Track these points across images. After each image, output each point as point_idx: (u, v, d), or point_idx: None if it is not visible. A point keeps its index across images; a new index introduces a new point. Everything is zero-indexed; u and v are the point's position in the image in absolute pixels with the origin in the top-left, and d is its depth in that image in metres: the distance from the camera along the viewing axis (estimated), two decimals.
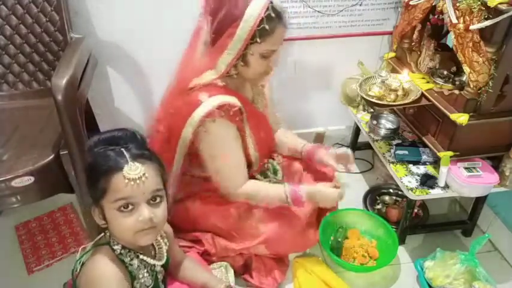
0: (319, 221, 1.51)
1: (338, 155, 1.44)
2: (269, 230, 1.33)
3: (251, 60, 1.18)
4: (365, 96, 1.50)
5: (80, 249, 0.94)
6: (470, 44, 1.20)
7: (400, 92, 1.48)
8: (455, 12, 1.21)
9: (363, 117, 1.81)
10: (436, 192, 1.42)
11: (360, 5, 1.73)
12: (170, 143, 1.25)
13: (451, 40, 1.29)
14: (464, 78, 1.36)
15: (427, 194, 1.41)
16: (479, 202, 1.57)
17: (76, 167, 1.21)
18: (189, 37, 1.65)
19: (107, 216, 0.87)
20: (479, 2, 1.14)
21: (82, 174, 1.21)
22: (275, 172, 1.45)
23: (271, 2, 1.12)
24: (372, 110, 1.80)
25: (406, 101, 1.44)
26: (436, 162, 1.51)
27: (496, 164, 1.43)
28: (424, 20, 1.55)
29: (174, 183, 1.31)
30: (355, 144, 2.03)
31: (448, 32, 1.49)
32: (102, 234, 0.94)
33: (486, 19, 1.15)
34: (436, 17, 1.50)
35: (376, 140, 1.68)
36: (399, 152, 1.56)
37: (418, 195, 1.41)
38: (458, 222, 1.70)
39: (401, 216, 1.58)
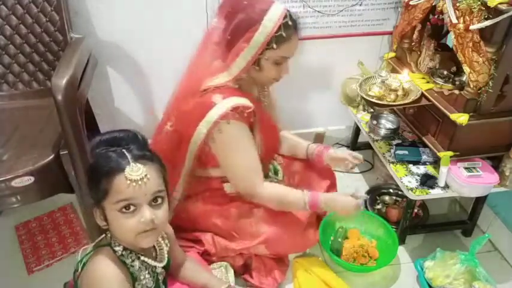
0: (319, 221, 1.51)
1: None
2: (269, 230, 1.33)
3: (264, 65, 1.20)
4: (365, 96, 1.50)
5: (81, 250, 0.94)
6: (470, 44, 1.20)
7: (400, 92, 1.48)
8: (455, 12, 1.21)
9: (363, 117, 1.81)
10: (436, 192, 1.42)
11: (360, 5, 1.73)
12: (181, 143, 1.26)
13: (451, 40, 1.29)
14: (464, 78, 1.36)
15: (427, 194, 1.41)
16: (479, 202, 1.57)
17: (76, 167, 1.21)
18: (189, 37, 1.66)
19: (108, 218, 0.87)
20: (479, 2, 1.14)
21: (82, 174, 1.21)
22: (276, 172, 1.45)
23: (288, 10, 1.16)
24: (372, 110, 1.80)
25: (406, 101, 1.45)
26: (436, 162, 1.51)
27: (496, 164, 1.43)
28: (424, 20, 1.55)
29: (183, 183, 1.32)
30: (355, 144, 2.03)
31: (448, 32, 1.49)
32: (103, 235, 0.94)
33: (486, 19, 1.15)
34: (436, 17, 1.50)
35: (376, 140, 1.68)
36: (399, 152, 1.56)
37: (418, 195, 1.41)
38: (458, 222, 1.70)
39: (401, 216, 1.58)
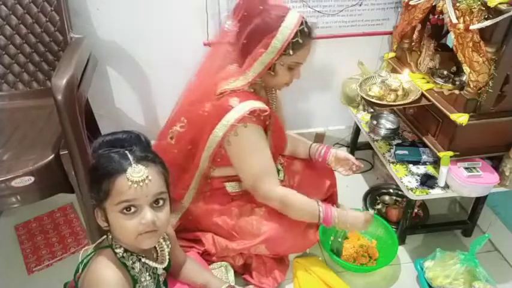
0: None
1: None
2: (269, 229, 1.33)
3: (279, 71, 1.23)
4: (365, 96, 1.50)
5: (82, 251, 0.94)
6: (470, 44, 1.20)
7: (400, 92, 1.48)
8: (455, 12, 1.21)
9: (363, 117, 1.81)
10: (436, 192, 1.42)
11: (360, 5, 1.73)
12: (194, 146, 1.28)
13: (451, 40, 1.29)
14: (464, 78, 1.36)
15: (427, 194, 1.41)
16: (479, 202, 1.57)
17: (76, 167, 1.21)
18: (189, 37, 1.67)
19: (109, 219, 0.87)
20: (479, 2, 1.14)
21: (82, 174, 1.21)
22: (277, 172, 1.45)
23: (303, 17, 1.18)
24: (372, 110, 1.80)
25: (406, 101, 1.44)
26: (436, 162, 1.51)
27: (496, 164, 1.43)
28: (424, 20, 1.55)
29: (196, 185, 1.33)
30: (355, 144, 2.03)
31: (448, 32, 1.49)
32: (104, 236, 0.93)
33: (486, 19, 1.15)
34: (436, 17, 1.50)
35: (376, 140, 1.68)
36: (399, 152, 1.56)
37: (418, 195, 1.41)
38: (458, 222, 1.70)
39: (401, 216, 1.58)
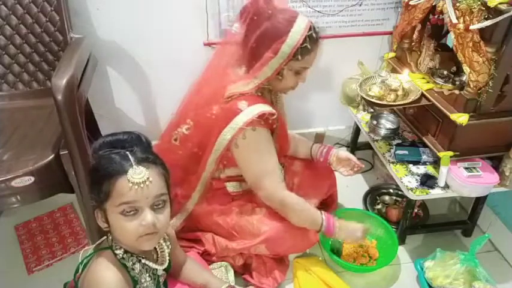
0: None
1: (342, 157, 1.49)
2: (270, 229, 1.33)
3: (286, 75, 1.24)
4: (365, 96, 1.50)
5: (82, 251, 0.94)
6: (470, 44, 1.20)
7: (400, 92, 1.48)
8: (455, 12, 1.21)
9: (363, 117, 1.81)
10: (436, 192, 1.42)
11: (360, 5, 1.73)
12: (200, 148, 1.28)
13: (451, 40, 1.29)
14: (464, 78, 1.36)
15: (427, 194, 1.41)
16: (479, 202, 1.57)
17: (76, 167, 1.21)
18: (189, 37, 1.67)
19: (109, 220, 0.87)
20: (479, 2, 1.14)
21: (82, 175, 1.21)
22: None
23: (312, 22, 1.19)
24: (372, 110, 1.80)
25: (406, 101, 1.44)
26: (436, 162, 1.51)
27: (496, 164, 1.43)
28: (424, 20, 1.55)
29: (202, 187, 1.33)
30: (355, 144, 2.03)
31: (448, 32, 1.49)
32: (105, 237, 0.93)
33: (486, 19, 1.15)
34: (436, 17, 1.50)
35: (376, 140, 1.68)
36: (399, 152, 1.56)
37: (418, 195, 1.41)
38: (458, 222, 1.70)
39: (401, 216, 1.58)
